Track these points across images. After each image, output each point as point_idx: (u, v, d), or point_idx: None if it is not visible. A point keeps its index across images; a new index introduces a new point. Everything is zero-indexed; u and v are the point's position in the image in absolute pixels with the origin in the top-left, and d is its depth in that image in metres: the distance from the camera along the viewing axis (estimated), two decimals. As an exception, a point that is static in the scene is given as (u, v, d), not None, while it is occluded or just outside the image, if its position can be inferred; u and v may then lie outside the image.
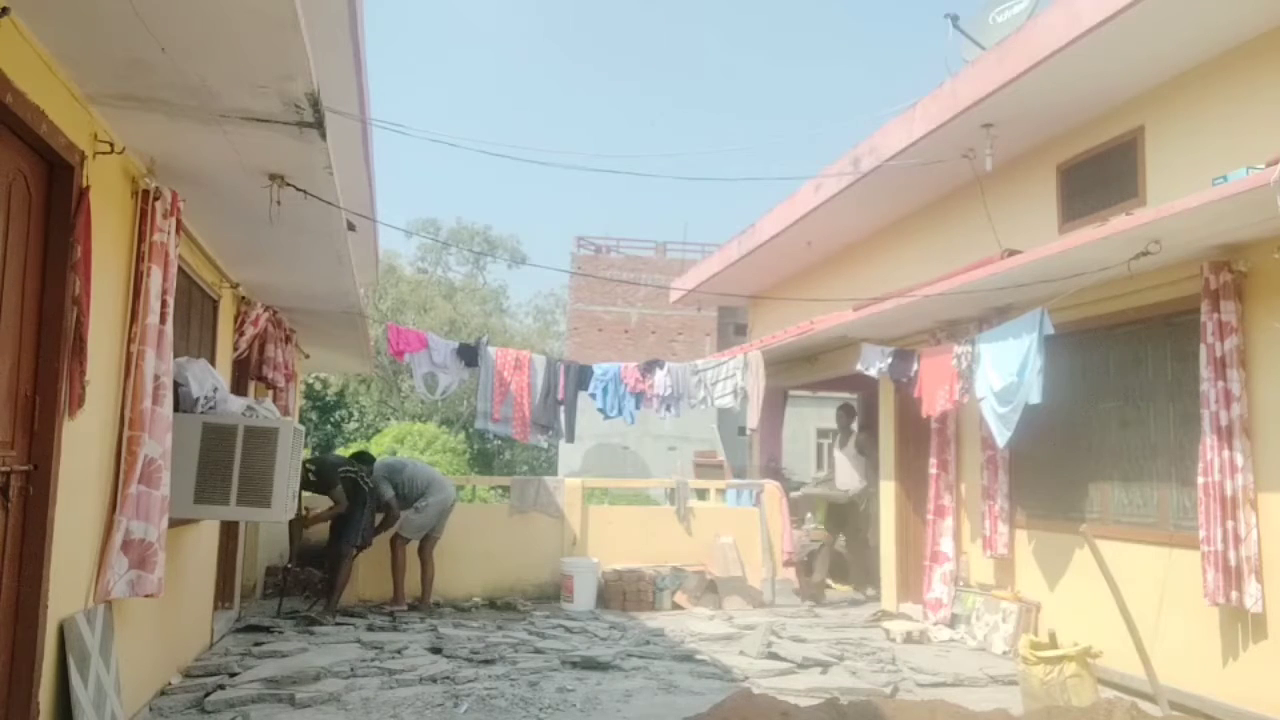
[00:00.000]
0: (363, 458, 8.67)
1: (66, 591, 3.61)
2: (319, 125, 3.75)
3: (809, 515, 10.68)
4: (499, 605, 8.86)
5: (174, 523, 4.68)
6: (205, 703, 5.06)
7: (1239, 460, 5.10)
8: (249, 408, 5.19)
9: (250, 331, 6.96)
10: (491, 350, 8.68)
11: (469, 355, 8.53)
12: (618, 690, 5.71)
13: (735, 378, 9.10)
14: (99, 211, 3.64)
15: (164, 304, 4.21)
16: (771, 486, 10.28)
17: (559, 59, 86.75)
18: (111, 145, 3.78)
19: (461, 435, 25.05)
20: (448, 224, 41.74)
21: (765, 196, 54.12)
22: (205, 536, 6.26)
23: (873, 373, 8.00)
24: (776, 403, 11.98)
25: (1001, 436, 6.50)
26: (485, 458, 26.57)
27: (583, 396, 9.02)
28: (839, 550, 10.19)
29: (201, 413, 4.92)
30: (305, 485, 7.44)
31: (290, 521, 7.51)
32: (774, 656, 6.63)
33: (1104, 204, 6.65)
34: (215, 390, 5.11)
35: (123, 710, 4.13)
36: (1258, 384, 5.16)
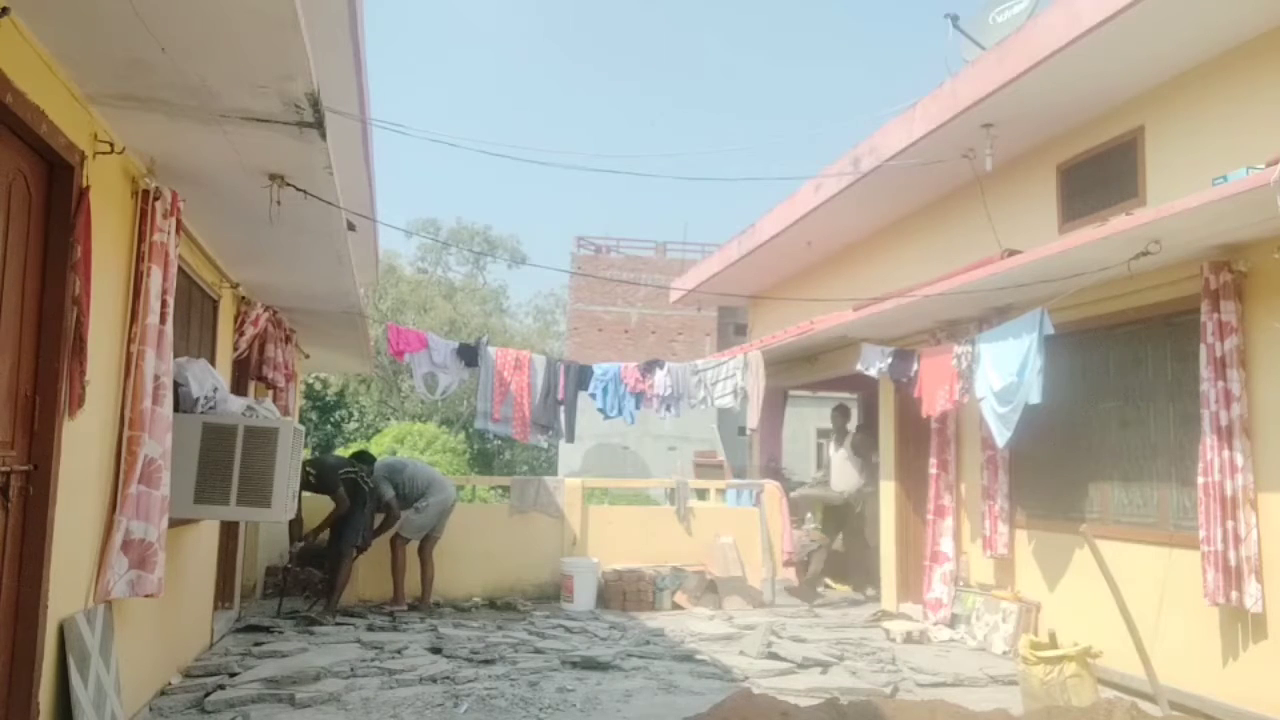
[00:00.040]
0: (363, 457, 8.67)
1: (66, 591, 3.61)
2: (319, 125, 3.75)
3: (809, 515, 10.68)
4: (499, 605, 8.86)
5: (174, 523, 4.68)
6: (205, 703, 5.06)
7: (1239, 460, 5.10)
8: (249, 408, 5.19)
9: (250, 331, 6.97)
10: (491, 350, 8.68)
11: (469, 355, 8.54)
12: (618, 690, 5.71)
13: (735, 378, 9.11)
14: (99, 211, 3.64)
15: (164, 304, 4.21)
16: (771, 486, 10.28)
17: (559, 59, 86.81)
18: (111, 145, 3.78)
19: (461, 435, 25.05)
20: (448, 224, 41.78)
21: (765, 196, 54.15)
22: (205, 536, 6.26)
23: (873, 373, 8.00)
24: (776, 403, 11.98)
25: (1001, 436, 6.50)
26: (485, 458, 26.57)
27: (583, 396, 9.02)
28: (836, 550, 10.18)
29: (201, 413, 4.92)
30: (305, 486, 7.43)
31: (290, 522, 7.53)
32: (774, 656, 6.63)
33: (1104, 204, 6.65)
34: (215, 390, 5.11)
35: (123, 710, 4.13)
36: (1258, 384, 5.16)
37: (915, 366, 7.71)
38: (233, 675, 5.66)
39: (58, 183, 3.51)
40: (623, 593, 9.01)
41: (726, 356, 9.56)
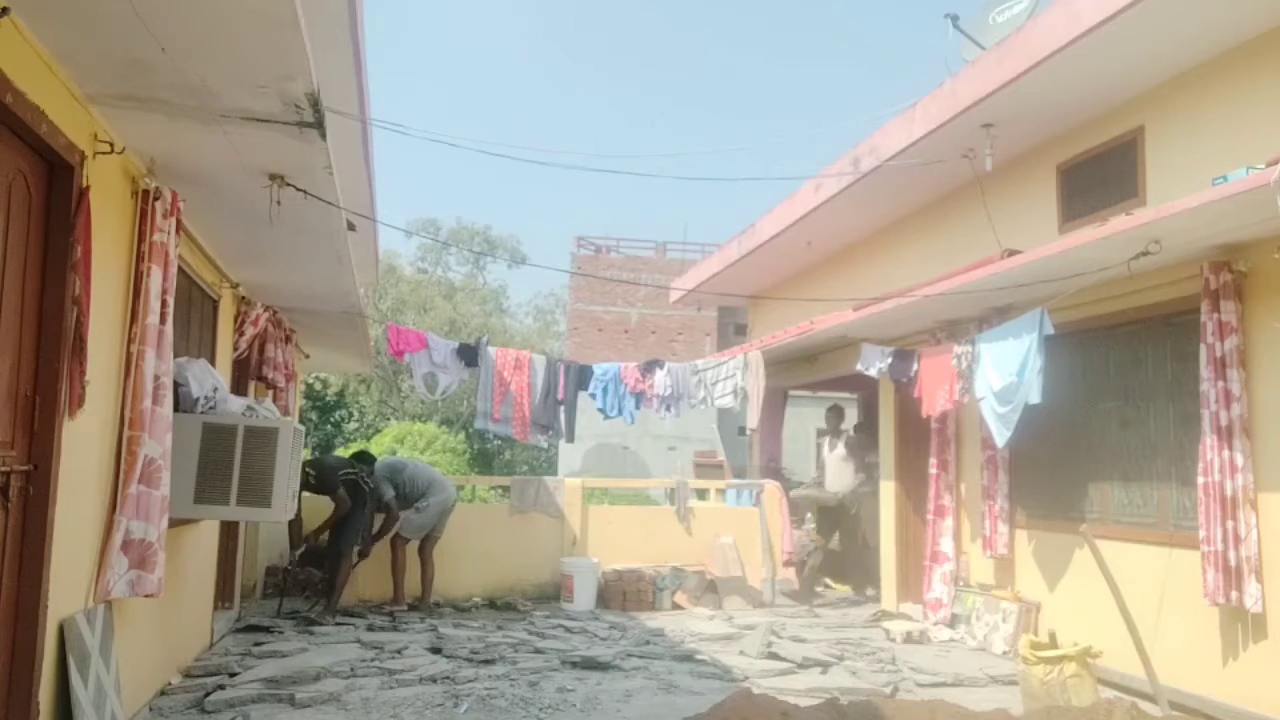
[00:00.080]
0: (363, 458, 8.67)
1: (66, 591, 3.61)
2: (319, 125, 3.75)
3: (809, 515, 10.68)
4: (499, 605, 8.86)
5: (174, 523, 4.68)
6: (205, 703, 5.06)
7: (1239, 460, 5.10)
8: (249, 408, 5.19)
9: (250, 331, 6.97)
10: (491, 350, 8.68)
11: (469, 355, 8.54)
12: (618, 690, 5.71)
13: (735, 378, 9.10)
14: (99, 211, 3.64)
15: (164, 304, 4.21)
16: (771, 486, 10.28)
17: (559, 59, 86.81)
18: (111, 145, 3.79)
19: (461, 435, 25.04)
20: (448, 224, 41.76)
21: (765, 196, 54.17)
22: (205, 536, 6.26)
23: (873, 373, 8.00)
24: (776, 403, 11.98)
25: (1001, 436, 6.50)
26: (485, 458, 26.57)
27: (583, 396, 9.02)
28: (833, 550, 10.12)
29: (201, 413, 4.92)
30: (305, 487, 7.43)
31: (290, 523, 7.53)
32: (774, 656, 6.63)
33: (1104, 204, 6.65)
34: (215, 390, 5.11)
35: (123, 710, 4.13)
36: (1258, 384, 5.16)
37: (915, 366, 7.71)
38: (233, 675, 5.66)
39: (58, 183, 3.51)
40: (623, 593, 9.02)
41: (726, 356, 9.56)
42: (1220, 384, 5.18)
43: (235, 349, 6.85)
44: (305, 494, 7.70)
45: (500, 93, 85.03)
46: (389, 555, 8.51)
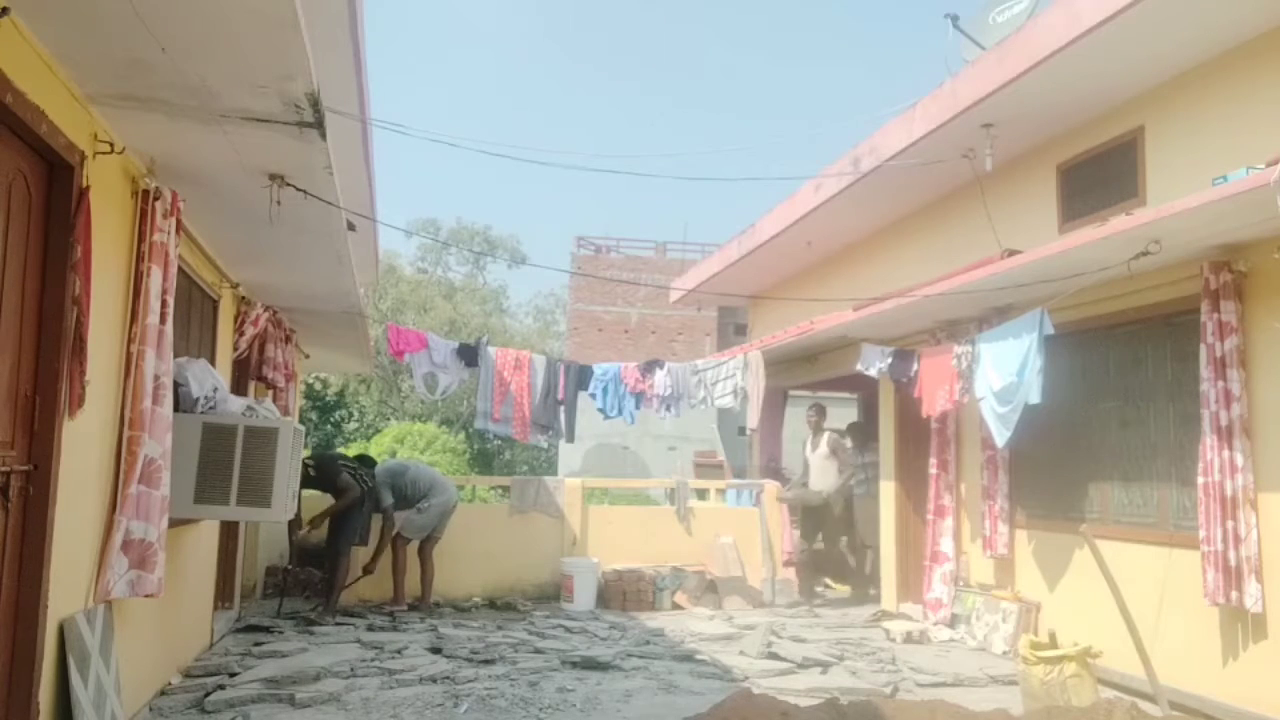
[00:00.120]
0: (364, 461, 8.68)
1: (66, 591, 3.61)
2: (319, 125, 3.75)
3: (794, 516, 10.62)
4: (499, 605, 8.86)
5: (174, 523, 4.68)
6: (205, 703, 5.06)
7: (1239, 460, 5.09)
8: (249, 408, 5.19)
9: (250, 331, 6.97)
10: (491, 350, 8.69)
11: (469, 355, 8.54)
12: (618, 690, 5.71)
13: (735, 378, 9.10)
14: (99, 211, 3.64)
15: (164, 304, 4.21)
16: (771, 486, 10.27)
17: (559, 59, 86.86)
18: (111, 145, 3.79)
19: (461, 435, 25.04)
20: (448, 224, 41.79)
21: (765, 196, 54.20)
22: (205, 536, 6.26)
23: (873, 373, 8.00)
24: (776, 403, 11.98)
25: (1001, 436, 6.50)
26: (485, 458, 26.57)
27: (583, 396, 9.02)
28: (818, 550, 10.00)
29: (201, 413, 4.92)
30: (305, 482, 7.44)
31: (290, 523, 7.53)
32: (774, 656, 6.63)
33: (1104, 204, 6.65)
34: (215, 390, 5.11)
35: (123, 710, 4.13)
36: (1258, 384, 5.16)
37: (915, 366, 7.71)
38: (233, 675, 5.66)
39: (58, 183, 3.51)
40: (623, 593, 9.01)
41: (726, 356, 9.56)
42: (1220, 384, 5.18)
43: (235, 349, 6.85)
44: (305, 492, 7.71)
45: (500, 93, 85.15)
46: (389, 555, 8.52)
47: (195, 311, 5.87)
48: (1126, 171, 6.55)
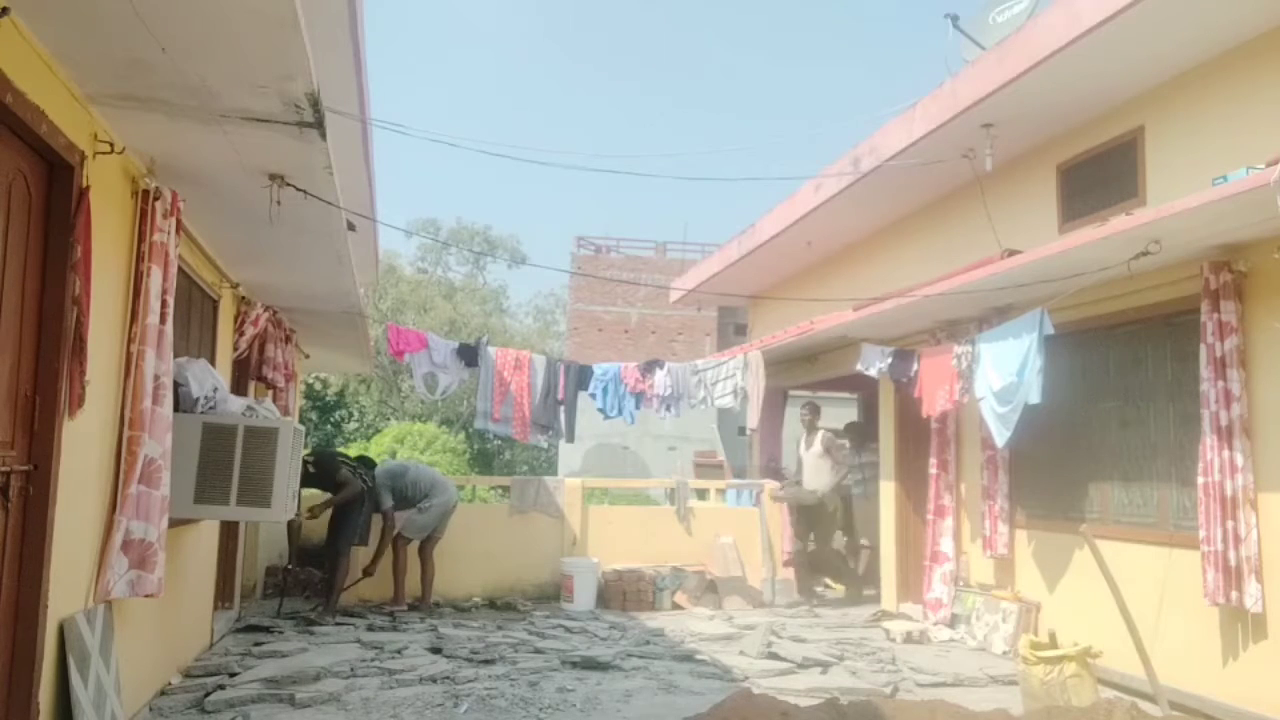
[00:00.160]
0: (365, 462, 8.68)
1: (66, 591, 3.61)
2: (319, 125, 3.75)
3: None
4: (499, 605, 8.86)
5: (174, 523, 4.68)
6: (205, 703, 5.06)
7: (1239, 460, 5.09)
8: (249, 408, 5.19)
9: (250, 331, 6.97)
10: (491, 350, 8.69)
11: (469, 355, 8.54)
12: (618, 690, 5.71)
13: (735, 378, 9.10)
14: (99, 211, 3.64)
15: (164, 304, 4.21)
16: (771, 486, 10.27)
17: (559, 59, 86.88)
18: (111, 145, 3.78)
19: (461, 435, 25.04)
20: (448, 224, 41.81)
21: (765, 196, 54.21)
22: (205, 536, 6.26)
23: (873, 373, 8.00)
24: (776, 403, 11.97)
25: (1001, 436, 6.50)
26: (485, 458, 26.57)
27: (583, 396, 9.02)
28: (810, 550, 9.97)
29: (201, 413, 4.92)
30: (305, 479, 7.44)
31: (289, 523, 7.54)
32: (774, 656, 6.63)
33: (1104, 204, 6.65)
34: (215, 390, 5.11)
35: (123, 710, 4.13)
36: (1258, 384, 5.16)
37: (915, 366, 7.71)
38: (233, 675, 5.66)
39: (58, 183, 3.51)
40: (623, 593, 9.01)
41: (726, 356, 9.55)
42: (1220, 384, 5.18)
43: (235, 349, 6.85)
44: (304, 490, 7.71)
45: (500, 93, 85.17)
46: (389, 556, 8.52)
47: (195, 311, 5.87)
48: (1126, 171, 6.55)
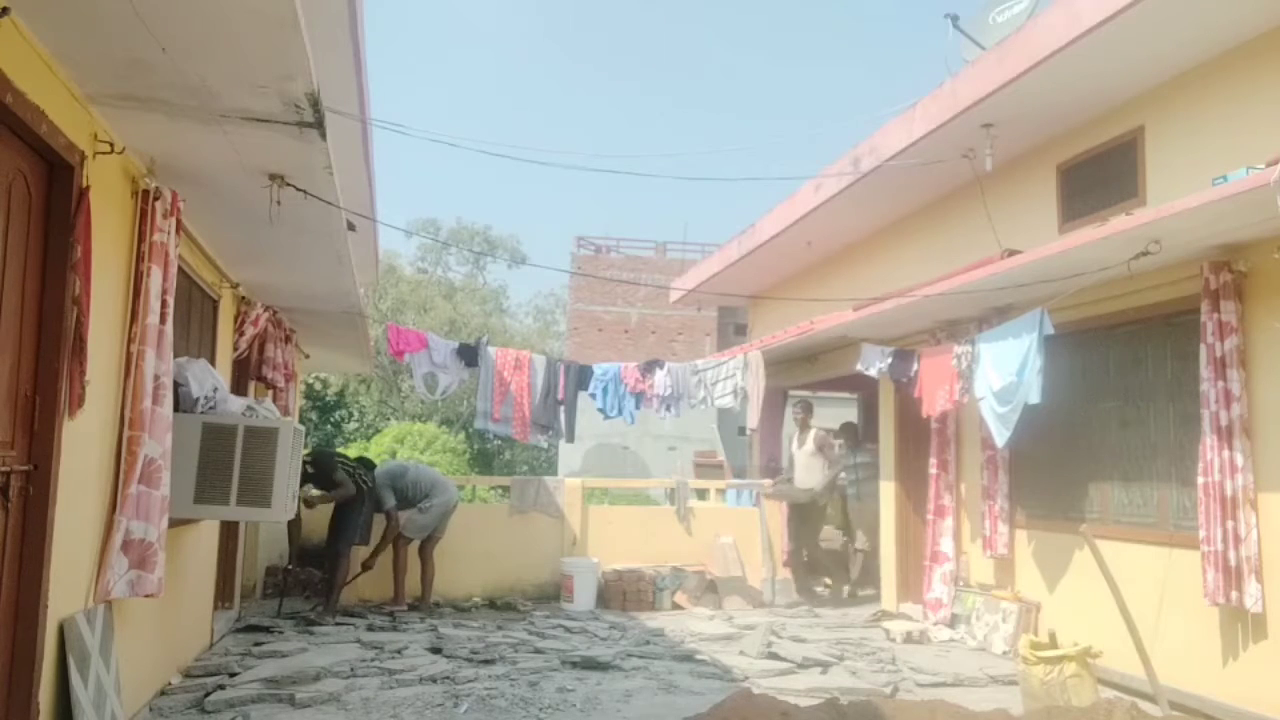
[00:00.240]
0: (365, 464, 8.68)
1: (66, 591, 3.61)
2: (319, 125, 3.75)
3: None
4: (499, 605, 8.86)
5: (174, 523, 4.68)
6: (205, 703, 5.06)
7: (1239, 460, 5.09)
8: (249, 408, 5.19)
9: (250, 331, 6.97)
10: (491, 350, 8.69)
11: (469, 355, 8.54)
12: (618, 690, 5.71)
13: (735, 378, 9.10)
14: (99, 211, 3.64)
15: (164, 304, 4.21)
16: (765, 484, 10.26)
17: (559, 59, 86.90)
18: (111, 145, 3.79)
19: (461, 435, 25.04)
20: (448, 224, 41.81)
21: (765, 196, 54.22)
22: (205, 536, 6.26)
23: (873, 373, 8.00)
24: (776, 403, 11.97)
25: (1001, 436, 6.50)
26: (485, 458, 26.57)
27: (583, 396, 9.02)
28: (802, 547, 9.95)
29: (201, 413, 4.92)
30: (304, 479, 7.44)
31: (289, 524, 7.54)
32: (774, 656, 6.63)
33: (1104, 204, 6.65)
34: (215, 390, 5.11)
35: (123, 710, 4.13)
36: (1258, 384, 5.16)
37: (915, 366, 7.71)
38: (233, 675, 5.66)
39: (58, 183, 3.51)
40: (623, 593, 9.02)
41: (726, 356, 9.55)
42: (1220, 384, 5.18)
43: (235, 349, 6.85)
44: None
45: (500, 93, 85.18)
46: (389, 555, 8.52)
47: (195, 311, 5.87)
48: (1126, 171, 6.55)
